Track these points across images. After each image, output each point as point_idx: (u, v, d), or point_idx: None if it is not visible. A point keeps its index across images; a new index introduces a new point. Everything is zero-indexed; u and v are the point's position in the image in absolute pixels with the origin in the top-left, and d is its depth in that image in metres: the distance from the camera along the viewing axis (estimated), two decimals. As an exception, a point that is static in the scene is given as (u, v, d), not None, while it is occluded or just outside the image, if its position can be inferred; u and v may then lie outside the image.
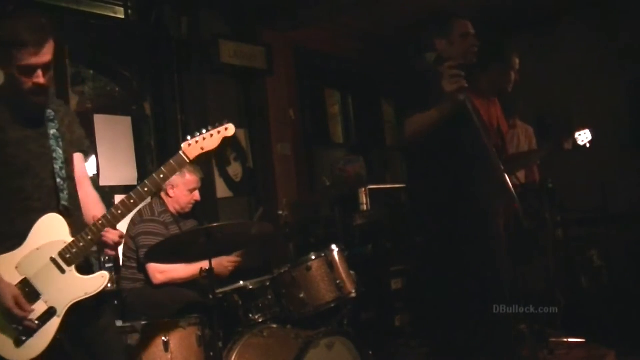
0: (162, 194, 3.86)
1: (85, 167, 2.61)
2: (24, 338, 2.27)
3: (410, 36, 3.60)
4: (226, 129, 2.34)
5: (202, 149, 2.31)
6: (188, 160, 2.34)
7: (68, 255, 2.32)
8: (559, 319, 4.34)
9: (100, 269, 2.66)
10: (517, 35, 6.44)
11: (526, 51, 6.49)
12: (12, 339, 2.28)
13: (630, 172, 5.83)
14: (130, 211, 2.37)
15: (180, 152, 2.33)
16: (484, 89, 3.99)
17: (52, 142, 2.41)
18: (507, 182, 2.83)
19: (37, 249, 2.33)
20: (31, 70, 2.29)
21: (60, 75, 4.14)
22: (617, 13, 5.91)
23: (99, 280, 2.34)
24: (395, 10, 5.79)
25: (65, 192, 2.38)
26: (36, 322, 2.28)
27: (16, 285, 2.31)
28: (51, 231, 2.34)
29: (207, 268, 3.12)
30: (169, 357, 3.15)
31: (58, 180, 2.37)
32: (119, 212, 2.34)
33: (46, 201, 2.36)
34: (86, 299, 2.33)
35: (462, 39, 3.21)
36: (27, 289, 2.31)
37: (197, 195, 3.89)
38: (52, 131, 2.42)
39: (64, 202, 2.36)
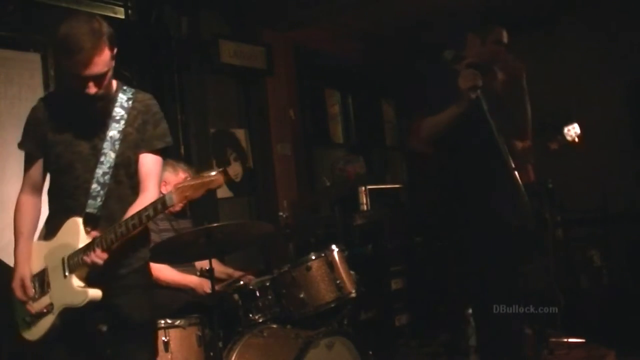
0: None
1: (153, 167, 2.51)
2: (29, 320, 2.45)
3: (412, 36, 3.60)
4: (211, 180, 2.21)
5: (186, 196, 2.22)
6: (172, 204, 2.24)
7: (71, 262, 2.37)
8: (559, 319, 4.34)
9: None
10: (517, 35, 6.43)
11: (526, 51, 6.51)
12: (23, 317, 2.48)
13: (630, 172, 5.83)
14: (119, 240, 2.29)
15: (166, 195, 2.23)
16: None
17: (107, 144, 2.39)
18: (518, 180, 2.83)
19: (59, 245, 2.41)
20: (81, 80, 2.27)
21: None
22: (617, 13, 5.91)
23: (81, 296, 2.33)
24: (395, 10, 5.79)
25: (99, 199, 2.37)
26: (41, 310, 2.41)
27: (38, 272, 2.47)
28: (70, 234, 2.40)
29: (207, 269, 3.13)
30: (169, 357, 3.16)
31: (94, 185, 2.38)
32: (110, 237, 2.29)
33: (82, 202, 2.39)
34: (74, 308, 2.35)
35: (495, 45, 3.25)
36: (44, 278, 2.45)
37: None
38: (112, 132, 2.40)
39: (89, 210, 2.37)
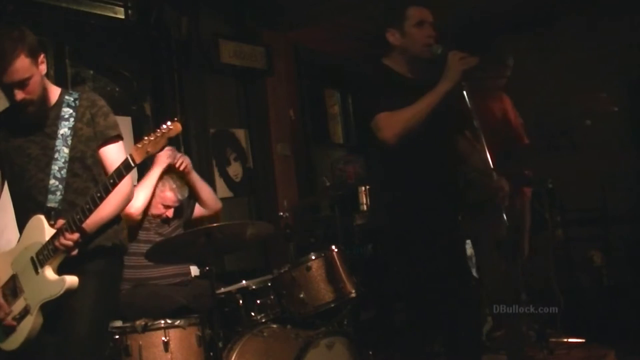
0: None
1: (117, 154, 2.58)
2: (7, 331, 2.47)
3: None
4: (170, 129, 2.30)
5: (147, 152, 2.30)
6: (133, 164, 2.33)
7: (40, 257, 2.41)
8: (559, 319, 4.34)
9: None
10: (517, 35, 6.44)
11: (526, 51, 6.51)
12: (1, 330, 2.49)
13: (630, 172, 5.83)
14: (86, 216, 2.38)
15: (128, 156, 2.33)
16: (483, 86, 4.10)
17: (58, 142, 2.45)
18: (493, 175, 2.75)
19: (25, 248, 2.46)
20: (6, 87, 2.35)
21: (61, 75, 4.14)
22: (617, 13, 5.91)
23: (59, 284, 2.38)
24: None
25: (58, 193, 2.43)
26: (18, 316, 2.44)
27: (6, 282, 2.50)
28: (35, 232, 2.44)
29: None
30: (169, 357, 3.16)
31: (52, 180, 2.43)
32: (78, 216, 2.37)
33: (40, 200, 2.45)
34: (54, 299, 2.39)
35: (418, 29, 2.82)
36: (15, 284, 2.48)
37: (170, 213, 3.81)
38: (62, 130, 2.47)
39: (50, 204, 2.43)
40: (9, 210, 2.61)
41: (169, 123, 2.31)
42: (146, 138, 2.31)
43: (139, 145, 2.31)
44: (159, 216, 3.77)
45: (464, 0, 5.39)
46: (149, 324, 3.20)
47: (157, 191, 3.71)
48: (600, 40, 6.06)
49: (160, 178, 3.68)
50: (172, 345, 3.16)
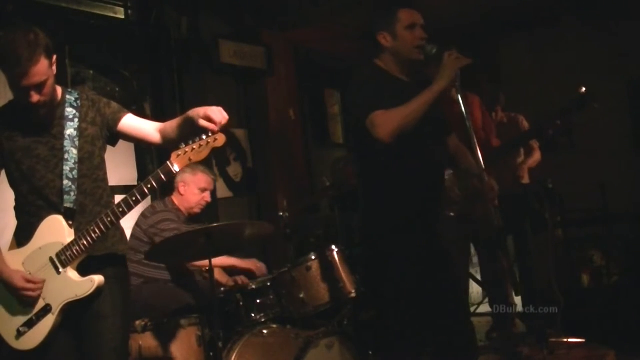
0: (175, 192, 3.87)
1: (140, 120, 2.59)
2: (23, 330, 2.42)
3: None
4: (215, 139, 2.28)
5: (190, 159, 2.30)
6: (175, 171, 2.32)
7: (63, 257, 2.40)
8: (559, 319, 4.34)
9: None
10: (517, 35, 6.44)
11: (526, 51, 6.51)
12: (15, 329, 2.43)
13: (630, 172, 5.83)
14: (119, 219, 2.41)
15: (168, 162, 2.32)
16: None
17: (66, 142, 2.45)
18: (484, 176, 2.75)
19: (40, 248, 2.43)
20: (23, 89, 2.33)
21: (61, 75, 4.13)
22: (617, 13, 5.91)
23: (88, 284, 2.38)
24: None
25: (72, 194, 2.42)
26: (35, 315, 2.40)
27: None
28: (52, 232, 2.42)
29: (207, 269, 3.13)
30: (169, 357, 3.16)
31: (65, 181, 2.43)
32: (109, 219, 2.38)
33: (53, 201, 2.43)
34: (79, 299, 2.38)
35: (409, 32, 2.82)
36: None
37: (207, 196, 3.89)
38: (69, 131, 2.46)
39: (67, 205, 2.42)
40: (9, 211, 2.60)
41: (210, 134, 2.27)
42: (188, 145, 2.29)
43: (180, 153, 2.29)
44: (197, 205, 3.83)
45: (465, 1, 5.39)
46: (149, 324, 3.20)
47: (190, 178, 3.78)
48: (600, 40, 6.06)
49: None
50: (172, 345, 3.16)
